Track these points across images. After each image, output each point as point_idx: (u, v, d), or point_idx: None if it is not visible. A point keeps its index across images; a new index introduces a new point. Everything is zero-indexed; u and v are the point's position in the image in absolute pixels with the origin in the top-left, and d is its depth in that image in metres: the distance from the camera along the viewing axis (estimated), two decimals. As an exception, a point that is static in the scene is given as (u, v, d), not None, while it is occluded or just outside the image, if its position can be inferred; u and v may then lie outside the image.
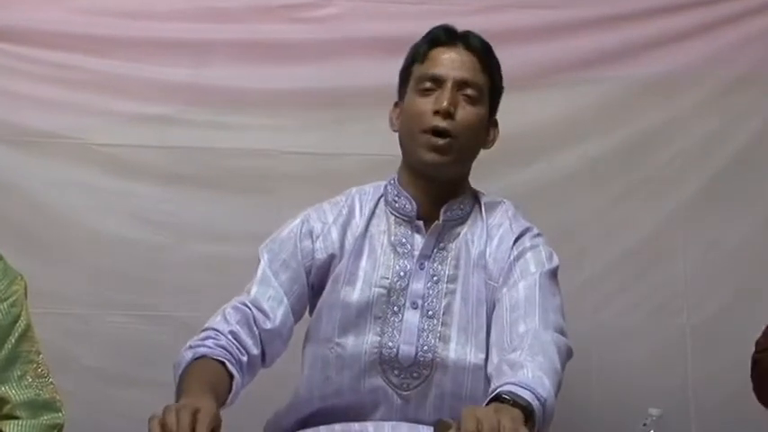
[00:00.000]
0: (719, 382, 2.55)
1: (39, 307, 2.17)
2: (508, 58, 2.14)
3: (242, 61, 2.70)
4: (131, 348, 2.66)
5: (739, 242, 2.70)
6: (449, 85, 2.03)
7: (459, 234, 2.09)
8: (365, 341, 2.04)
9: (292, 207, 2.21)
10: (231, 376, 1.90)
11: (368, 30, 2.25)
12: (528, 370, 1.80)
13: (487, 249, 2.09)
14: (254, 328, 2.01)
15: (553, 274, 2.06)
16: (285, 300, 2.07)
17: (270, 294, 2.06)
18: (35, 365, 2.10)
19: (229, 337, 1.97)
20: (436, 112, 2.01)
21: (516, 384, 1.74)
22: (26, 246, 2.51)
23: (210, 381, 1.85)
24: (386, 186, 2.12)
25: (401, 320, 2.06)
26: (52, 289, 2.54)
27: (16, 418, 2.06)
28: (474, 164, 2.15)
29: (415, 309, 2.06)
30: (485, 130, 2.08)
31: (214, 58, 2.70)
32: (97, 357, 2.65)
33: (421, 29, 2.12)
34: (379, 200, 2.13)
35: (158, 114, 2.69)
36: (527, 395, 1.72)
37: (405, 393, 2.04)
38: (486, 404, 1.73)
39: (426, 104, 2.02)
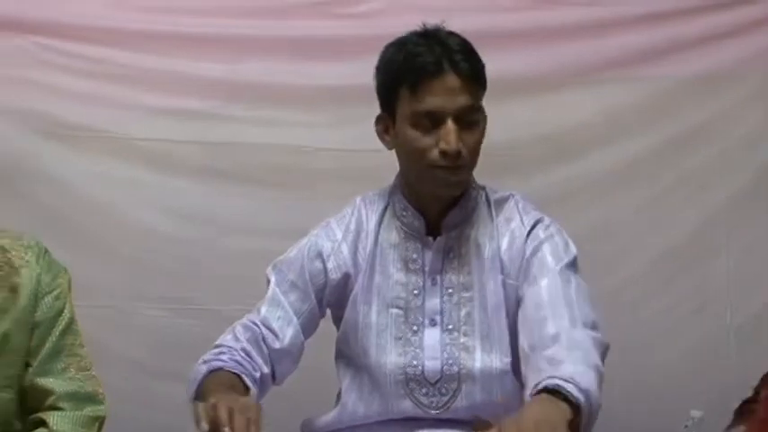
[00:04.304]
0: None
1: (80, 300, 2.20)
2: (548, 56, 2.15)
3: (279, 57, 2.76)
4: (170, 341, 2.73)
5: None
6: (449, 120, 1.96)
7: (468, 237, 2.08)
8: (388, 362, 2.06)
9: (327, 203, 2.26)
10: (247, 389, 1.95)
11: (407, 25, 2.29)
12: (568, 364, 1.79)
13: (500, 248, 2.07)
14: (264, 348, 2.05)
15: (572, 264, 2.03)
16: (294, 320, 2.10)
17: (279, 315, 2.09)
18: (78, 358, 2.14)
19: (242, 353, 2.02)
20: (443, 154, 1.96)
21: (559, 378, 1.73)
22: (68, 239, 2.57)
23: (232, 387, 1.90)
24: (390, 196, 2.12)
25: (421, 339, 2.07)
26: (93, 282, 2.59)
27: (60, 409, 2.10)
28: (512, 163, 2.19)
29: (434, 326, 2.06)
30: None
31: (252, 54, 2.75)
32: (136, 350, 2.74)
33: (465, 24, 2.07)
34: (385, 210, 2.12)
35: (196, 109, 2.76)
36: (571, 388, 1.71)
37: (435, 413, 2.05)
38: (531, 397, 1.73)
39: (428, 141, 1.97)
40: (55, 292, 2.15)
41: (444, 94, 1.96)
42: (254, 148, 2.76)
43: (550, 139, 2.35)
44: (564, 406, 1.67)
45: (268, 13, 2.77)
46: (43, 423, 2.10)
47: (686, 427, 2.32)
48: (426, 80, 1.95)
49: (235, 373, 1.97)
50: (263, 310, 2.08)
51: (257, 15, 2.77)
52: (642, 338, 2.75)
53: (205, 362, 1.99)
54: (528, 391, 1.78)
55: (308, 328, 2.11)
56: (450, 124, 1.95)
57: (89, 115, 2.75)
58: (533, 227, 2.06)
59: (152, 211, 2.78)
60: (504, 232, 2.08)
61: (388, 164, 2.31)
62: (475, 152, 2.00)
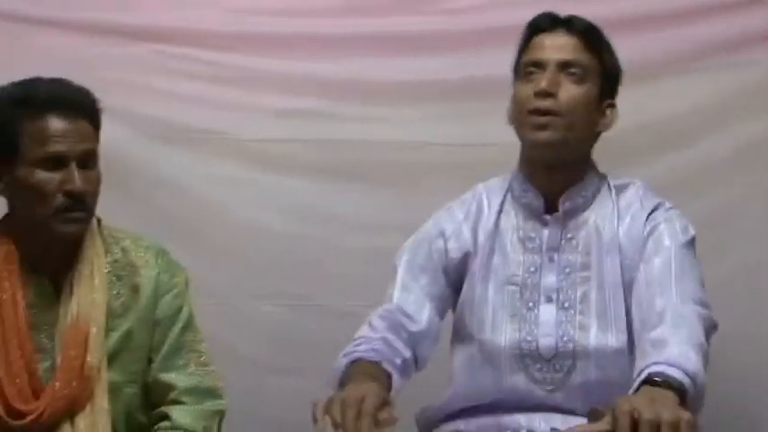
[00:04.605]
0: None
1: (197, 298, 2.30)
2: (648, 44, 2.17)
3: (385, 54, 2.78)
4: (286, 338, 2.77)
5: None
6: (550, 67, 2.08)
7: (587, 220, 2.13)
8: (504, 338, 2.11)
9: (439, 197, 2.30)
10: (389, 375, 1.99)
11: (509, 18, 2.31)
12: (673, 346, 1.83)
13: (620, 230, 2.11)
14: (402, 333, 2.10)
15: (690, 244, 2.07)
16: (427, 302, 2.15)
17: (412, 299, 2.15)
18: (197, 354, 2.24)
19: (381, 342, 2.06)
20: (537, 94, 2.06)
21: (664, 363, 1.77)
22: (185, 239, 2.62)
23: (372, 376, 1.93)
24: (511, 181, 2.18)
25: (537, 315, 2.11)
26: (210, 280, 2.64)
27: (181, 403, 2.20)
28: (617, 151, 2.17)
29: (550, 302, 2.11)
30: (596, 111, 2.11)
31: (357, 52, 2.78)
32: (253, 346, 2.78)
33: (574, 10, 2.16)
34: (505, 195, 2.19)
35: (305, 108, 2.79)
36: (676, 373, 1.74)
37: (549, 388, 2.09)
38: (636, 388, 1.75)
39: (528, 89, 2.07)
40: (174, 291, 2.24)
41: (552, 47, 2.11)
42: (365, 144, 2.78)
43: (653, 127, 2.34)
44: (671, 394, 1.70)
45: (373, 12, 2.79)
46: (166, 417, 2.20)
47: None
48: (539, 35, 2.13)
49: (375, 362, 2.00)
50: (396, 296, 2.14)
51: (362, 14, 2.79)
52: (738, 336, 2.59)
53: (345, 355, 2.03)
54: (634, 375, 1.82)
55: (441, 308, 2.17)
56: (549, 69, 2.09)
57: (203, 118, 2.80)
58: (653, 210, 2.10)
59: (267, 211, 2.81)
60: (625, 216, 2.12)
61: (495, 157, 2.45)
62: (571, 107, 2.07)
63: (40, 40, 2.73)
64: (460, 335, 2.18)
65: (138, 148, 2.76)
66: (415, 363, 2.12)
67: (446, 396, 2.19)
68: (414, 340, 2.11)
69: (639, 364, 1.84)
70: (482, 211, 2.19)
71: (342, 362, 2.01)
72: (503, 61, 2.22)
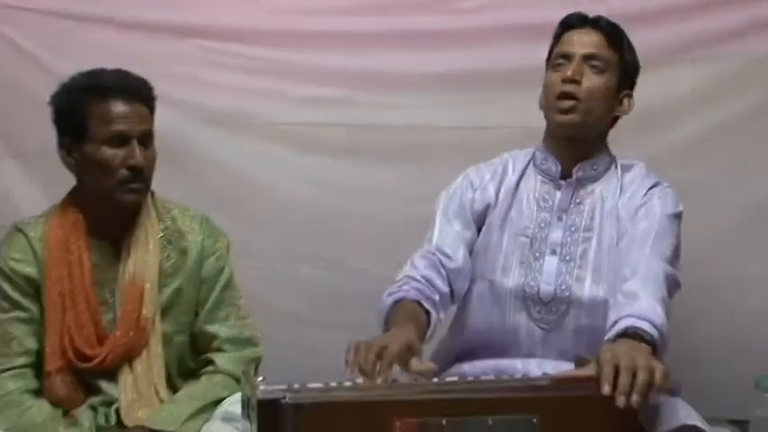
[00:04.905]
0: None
1: (241, 261, 2.36)
2: (640, 38, 2.20)
3: (401, 49, 2.79)
4: (321, 295, 2.80)
5: None
6: (576, 58, 2.15)
7: (594, 191, 2.19)
8: (511, 281, 2.17)
9: (445, 172, 2.35)
10: (428, 313, 2.06)
11: (510, 18, 2.31)
12: (642, 299, 1.90)
13: (620, 202, 2.17)
14: (441, 270, 2.16)
15: (676, 217, 2.14)
16: (461, 243, 2.20)
17: (449, 240, 2.20)
18: (237, 309, 2.30)
19: (422, 280, 2.11)
20: (563, 81, 2.13)
21: (635, 317, 1.84)
22: (228, 210, 2.62)
23: (411, 317, 2.00)
24: (535, 152, 2.25)
25: (542, 264, 2.17)
26: (251, 246, 2.67)
27: (223, 351, 2.26)
28: (613, 129, 2.23)
29: (554, 255, 2.17)
30: (614, 99, 2.18)
31: (378, 48, 2.80)
32: (291, 304, 2.80)
33: (559, 16, 2.22)
34: (529, 162, 2.26)
35: (332, 96, 2.82)
36: (647, 327, 1.81)
37: (544, 326, 2.15)
38: (613, 339, 1.81)
39: (557, 77, 2.15)
40: (216, 254, 2.29)
41: (579, 41, 2.16)
42: (383, 128, 2.80)
43: (643, 110, 2.34)
44: (645, 346, 1.77)
45: (391, 11, 2.81)
46: (211, 362, 2.27)
47: None
48: (569, 31, 2.18)
49: (416, 300, 2.06)
50: (435, 237, 2.21)
51: (382, 13, 2.81)
52: (729, 284, 2.72)
53: (390, 294, 2.09)
54: (609, 324, 1.89)
55: (472, 249, 2.22)
56: (576, 60, 2.14)
57: (242, 104, 2.82)
58: (652, 187, 2.18)
59: (300, 185, 2.84)
60: (626, 190, 2.19)
61: (492, 138, 2.44)
62: (592, 93, 2.14)
63: (102, 36, 2.76)
64: (473, 275, 2.23)
65: (187, 130, 2.80)
66: (452, 297, 2.19)
67: (457, 334, 2.26)
68: (451, 277, 2.17)
69: (613, 313, 1.91)
70: (507, 172, 2.26)
71: (386, 301, 2.07)
72: (501, 56, 2.30)
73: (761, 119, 2.76)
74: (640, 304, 1.88)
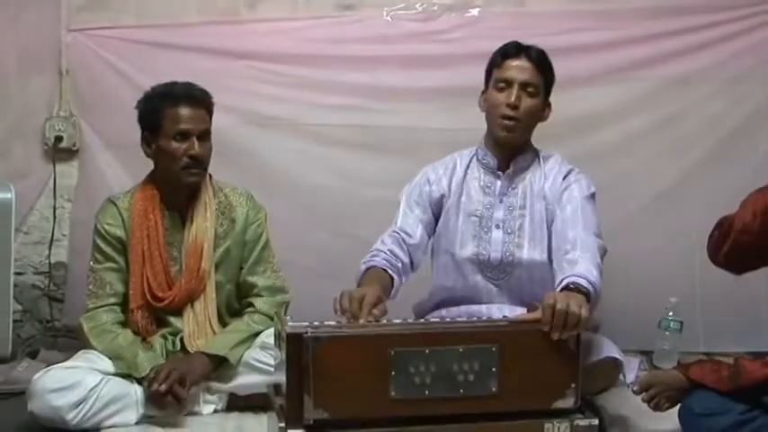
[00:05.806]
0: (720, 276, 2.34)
1: (276, 230, 2.45)
2: (572, 65, 2.40)
3: (402, 69, 2.87)
4: (330, 255, 2.88)
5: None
6: (515, 85, 2.26)
7: (525, 178, 2.33)
8: (467, 251, 2.31)
9: (430, 164, 2.41)
10: (392, 278, 2.21)
11: (484, 46, 2.26)
12: (581, 264, 2.04)
13: (545, 185, 2.30)
14: (403, 245, 2.30)
15: (592, 197, 2.28)
16: (420, 224, 2.33)
17: (410, 222, 2.33)
18: (272, 264, 2.45)
19: (388, 253, 2.26)
20: (507, 105, 2.25)
21: (576, 276, 1.99)
22: (269, 192, 2.63)
23: (378, 279, 2.17)
24: (477, 150, 2.39)
25: (490, 237, 2.30)
26: (284, 219, 2.72)
27: (261, 296, 2.38)
28: (550, 134, 2.37)
29: (499, 229, 2.30)
30: (541, 111, 2.33)
31: (383, 67, 2.91)
32: (309, 261, 2.85)
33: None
34: (472, 158, 2.39)
35: (347, 104, 2.92)
36: (584, 282, 1.97)
37: (497, 282, 2.32)
38: (558, 290, 1.93)
39: (501, 98, 2.27)
40: (257, 222, 2.45)
41: (517, 70, 2.20)
42: (386, 129, 2.90)
43: (571, 121, 2.44)
44: (581, 295, 1.92)
45: (395, 40, 2.86)
46: (251, 305, 2.39)
47: (666, 308, 2.52)
48: (508, 59, 2.21)
49: (382, 269, 2.19)
50: (399, 221, 2.33)
51: (388, 41, 2.87)
52: (640, 252, 2.83)
53: (363, 262, 2.25)
54: (556, 284, 2.03)
55: (428, 230, 2.35)
56: (515, 87, 2.20)
57: (279, 110, 2.92)
58: (568, 173, 2.33)
59: (319, 172, 2.94)
60: (549, 176, 2.31)
61: (466, 137, 2.51)
62: (527, 113, 2.23)
63: (174, 57, 2.87)
64: (438, 250, 2.41)
65: (237, 130, 2.91)
66: (411, 266, 2.33)
67: (431, 291, 2.42)
68: (411, 250, 2.30)
69: (559, 276, 2.06)
70: (456, 168, 2.40)
71: (361, 268, 2.27)
72: (478, 74, 2.36)
73: (663, 129, 2.97)
74: (579, 268, 2.04)
